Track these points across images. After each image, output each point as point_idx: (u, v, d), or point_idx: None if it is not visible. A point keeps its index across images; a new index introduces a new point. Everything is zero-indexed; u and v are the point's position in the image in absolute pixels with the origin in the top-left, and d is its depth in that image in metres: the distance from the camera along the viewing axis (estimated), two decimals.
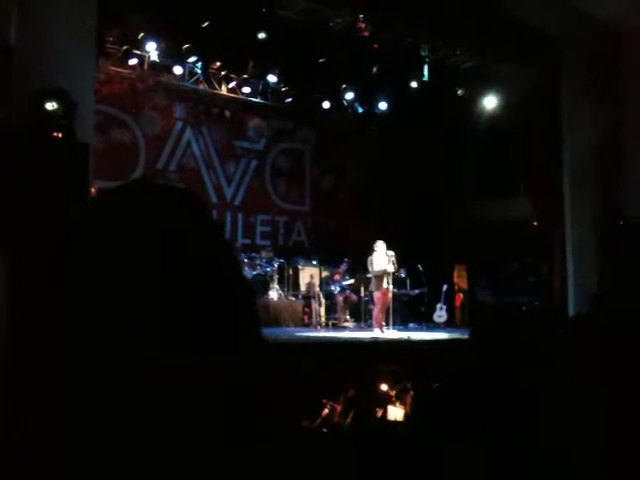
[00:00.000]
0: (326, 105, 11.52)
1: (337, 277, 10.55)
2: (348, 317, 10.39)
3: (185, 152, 11.12)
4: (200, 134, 11.27)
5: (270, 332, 7.99)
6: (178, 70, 10.07)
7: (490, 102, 10.28)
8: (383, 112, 11.67)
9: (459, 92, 10.60)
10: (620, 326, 1.35)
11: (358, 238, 10.89)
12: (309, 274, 10.63)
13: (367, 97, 11.42)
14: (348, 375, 5.01)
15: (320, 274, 10.74)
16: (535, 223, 10.39)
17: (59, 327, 0.59)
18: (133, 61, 9.71)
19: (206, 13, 8.52)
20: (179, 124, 11.06)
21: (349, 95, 11.25)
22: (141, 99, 10.45)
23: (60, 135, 4.76)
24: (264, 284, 9.92)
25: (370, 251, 8.92)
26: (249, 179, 11.90)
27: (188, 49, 9.69)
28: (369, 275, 9.05)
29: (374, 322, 8.94)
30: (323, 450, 0.71)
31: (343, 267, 10.60)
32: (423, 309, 10.93)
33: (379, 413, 4.58)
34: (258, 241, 11.68)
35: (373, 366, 5.49)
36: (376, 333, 8.53)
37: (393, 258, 8.76)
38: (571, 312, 8.56)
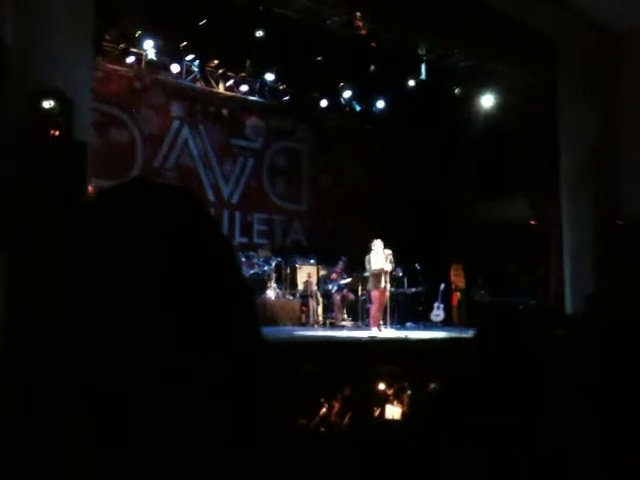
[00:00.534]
0: (324, 104, 11.52)
1: (334, 276, 10.56)
2: (345, 316, 10.40)
3: (182, 151, 11.11)
4: (197, 132, 11.26)
5: (267, 331, 7.99)
6: (175, 68, 10.06)
7: (487, 101, 10.30)
8: (381, 111, 11.68)
9: (456, 91, 10.61)
10: (617, 326, 1.36)
11: (355, 237, 10.90)
12: (306, 273, 10.64)
13: (365, 96, 11.42)
14: (345, 374, 5.01)
15: (318, 273, 10.75)
16: (532, 223, 10.41)
17: (59, 327, 0.58)
18: (130, 59, 9.69)
19: (203, 11, 8.51)
20: (176, 122, 11.05)
21: (347, 94, 11.26)
22: (138, 97, 10.43)
23: (57, 134, 4.75)
24: (261, 283, 9.93)
25: (367, 250, 8.93)
26: (246, 178, 11.90)
27: (185, 47, 9.68)
28: (366, 274, 9.06)
29: (371, 321, 8.95)
30: (322, 450, 0.71)
31: (340, 266, 10.61)
32: (420, 308, 10.94)
33: (376, 412, 4.58)
34: (255, 240, 11.68)
35: (370, 365, 5.50)
36: (373, 332, 8.54)
37: (390, 257, 8.77)
38: (568, 312, 8.57)
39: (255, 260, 10.36)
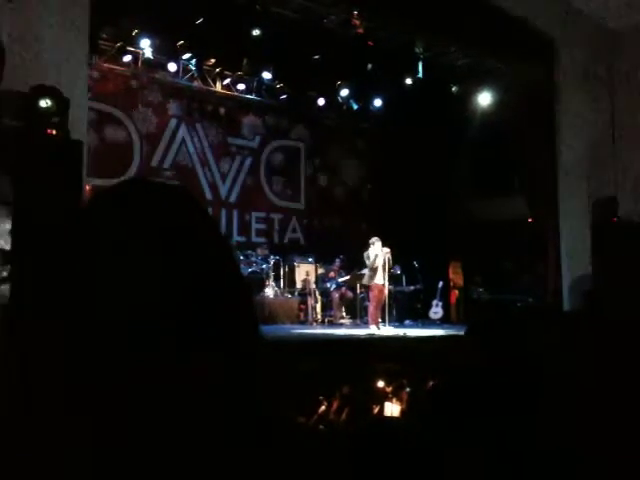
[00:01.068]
0: (321, 102, 11.52)
1: (332, 274, 10.57)
2: (344, 314, 10.41)
3: (179, 150, 11.10)
4: (194, 131, 11.25)
5: (266, 330, 7.99)
6: (172, 67, 10.04)
7: (485, 100, 10.30)
8: (378, 109, 11.68)
9: (454, 89, 10.61)
10: (615, 323, 1.36)
11: (353, 235, 10.92)
12: (305, 271, 10.64)
13: (362, 94, 11.42)
14: (344, 372, 5.02)
15: (316, 271, 10.75)
16: (530, 220, 10.42)
17: (59, 327, 0.58)
18: (127, 58, 9.68)
19: (200, 10, 8.49)
20: (173, 121, 11.04)
21: (344, 92, 11.25)
22: (135, 96, 10.41)
23: (54, 133, 4.74)
24: (260, 282, 9.93)
25: (365, 248, 8.94)
26: (244, 177, 11.89)
27: (182, 46, 9.67)
28: (365, 270, 9.06)
29: (370, 319, 8.95)
30: (320, 448, 0.71)
31: (337, 264, 10.61)
32: (419, 306, 10.95)
33: (375, 410, 4.59)
34: (253, 239, 11.68)
35: (369, 363, 5.50)
36: (372, 330, 8.55)
37: (388, 255, 8.78)
38: (566, 309, 8.59)
39: (253, 259, 10.36)
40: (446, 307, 10.96)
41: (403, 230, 10.52)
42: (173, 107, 10.98)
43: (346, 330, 9.16)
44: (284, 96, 11.43)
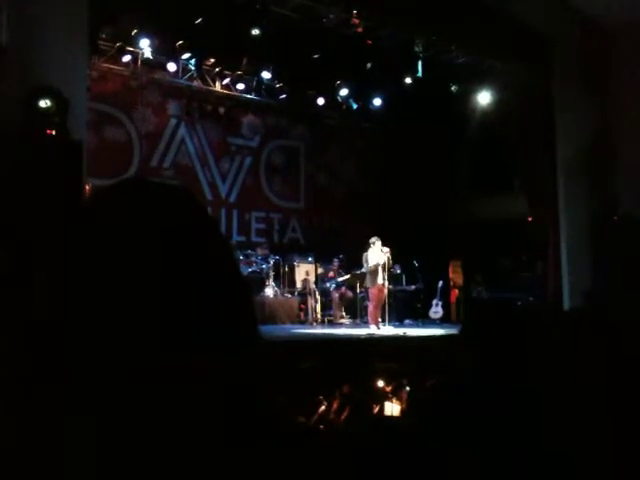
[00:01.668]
0: (320, 102, 11.51)
1: (332, 274, 10.57)
2: (344, 314, 10.41)
3: (179, 149, 11.10)
4: (194, 131, 11.24)
5: (266, 329, 7.99)
6: (172, 67, 10.03)
7: (484, 98, 10.29)
8: (377, 108, 11.67)
9: (453, 88, 10.61)
10: (614, 322, 1.36)
11: (353, 235, 10.91)
12: (305, 271, 10.64)
13: (361, 94, 11.41)
14: (344, 372, 5.02)
15: (316, 271, 10.75)
16: (530, 219, 10.42)
17: (59, 327, 0.58)
18: (126, 58, 9.67)
19: (199, 10, 8.49)
20: (173, 121, 11.03)
21: (343, 92, 11.25)
22: (135, 96, 10.41)
23: (53, 133, 4.74)
24: (260, 281, 9.92)
25: (366, 247, 8.94)
26: (244, 176, 11.89)
27: (182, 46, 9.66)
28: (364, 270, 9.06)
29: (370, 319, 8.95)
30: (320, 448, 0.71)
31: (335, 264, 10.61)
32: (419, 305, 10.95)
33: (375, 409, 4.59)
34: (253, 238, 11.68)
35: (369, 362, 5.50)
36: (372, 329, 8.55)
37: (388, 254, 8.78)
38: (566, 308, 8.59)
39: (253, 258, 10.36)
40: (446, 306, 10.96)
41: (403, 229, 10.52)
42: (172, 107, 10.98)
43: (346, 330, 9.16)
44: (284, 96, 11.43)
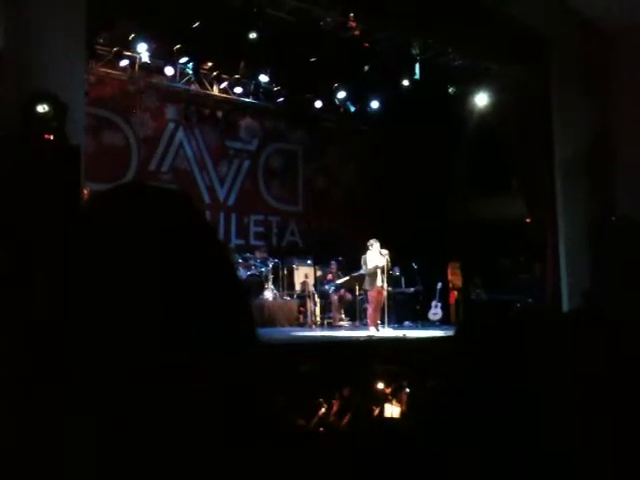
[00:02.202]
0: (318, 105, 11.52)
1: (330, 277, 10.56)
2: (343, 316, 10.40)
3: (177, 153, 11.10)
4: (192, 135, 11.25)
5: (266, 332, 7.98)
6: (169, 71, 10.04)
7: (482, 100, 10.31)
8: (375, 111, 11.68)
9: (451, 90, 10.62)
10: (613, 323, 1.36)
11: (352, 237, 10.91)
12: (303, 274, 10.63)
13: (359, 96, 11.42)
14: (344, 374, 5.01)
15: (315, 274, 10.75)
16: (528, 220, 10.42)
17: (59, 328, 0.58)
18: (124, 63, 9.67)
19: (197, 14, 8.49)
20: (171, 125, 11.04)
21: (341, 94, 11.26)
22: (132, 101, 10.41)
23: (51, 138, 4.74)
24: (259, 284, 9.92)
25: (364, 250, 8.94)
26: (242, 180, 11.89)
27: (179, 50, 9.67)
28: (362, 272, 9.06)
29: (369, 321, 8.95)
30: (320, 450, 0.71)
31: (333, 266, 10.61)
32: (418, 307, 10.94)
33: (375, 411, 4.58)
34: (252, 242, 11.67)
35: (369, 365, 5.50)
36: (371, 332, 8.54)
37: (387, 256, 8.78)
38: (565, 309, 8.59)
39: (252, 261, 10.35)
40: (445, 308, 10.95)
41: (402, 232, 10.52)
42: (170, 111, 10.98)
43: (345, 332, 9.15)
44: (281, 99, 11.44)
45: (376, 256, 8.78)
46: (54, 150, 4.75)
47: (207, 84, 10.88)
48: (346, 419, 4.14)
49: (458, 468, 1.04)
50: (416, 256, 10.62)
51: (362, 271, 9.04)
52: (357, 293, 10.03)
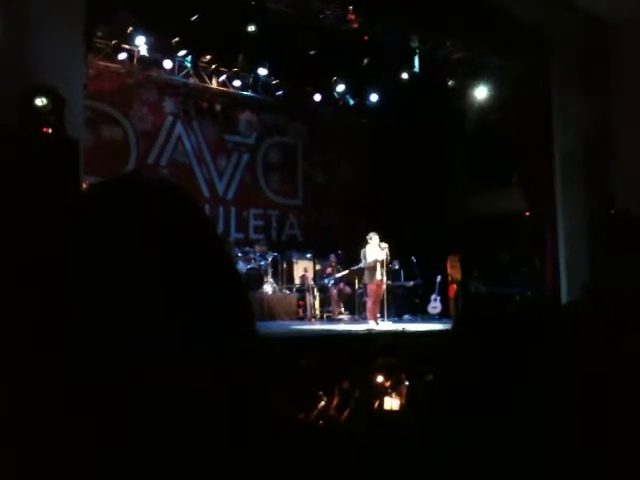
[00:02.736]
0: (317, 98, 11.48)
1: (329, 270, 10.56)
2: (342, 310, 10.41)
3: (176, 147, 11.07)
4: (191, 129, 11.22)
5: (265, 326, 7.99)
6: (168, 64, 10.01)
7: (482, 93, 10.28)
8: (374, 104, 11.65)
9: (450, 83, 10.59)
10: (611, 314, 1.36)
11: (351, 231, 10.91)
12: (303, 268, 10.64)
13: (358, 89, 11.39)
14: (343, 367, 5.02)
15: (314, 267, 10.75)
16: (527, 214, 10.42)
17: (59, 326, 0.58)
18: (122, 56, 9.64)
19: (195, 6, 8.46)
20: (169, 119, 11.01)
21: (340, 88, 11.22)
22: (131, 94, 10.38)
23: (50, 131, 4.72)
24: (258, 278, 9.92)
25: (364, 243, 8.94)
26: (241, 173, 11.87)
27: (178, 43, 9.63)
28: (362, 266, 9.07)
29: (368, 314, 8.96)
30: (320, 446, 0.71)
31: (332, 260, 10.61)
32: (417, 301, 10.96)
33: (375, 405, 4.59)
34: (251, 235, 11.67)
35: (368, 358, 5.51)
36: (371, 325, 8.55)
37: (387, 250, 8.79)
38: (564, 302, 8.60)
39: (252, 255, 10.36)
40: (445, 302, 10.97)
41: (401, 225, 10.51)
42: (169, 104, 10.95)
43: (345, 326, 9.17)
44: (280, 92, 11.40)
45: (375, 249, 8.78)
46: (53, 144, 4.73)
47: (206, 77, 10.85)
48: (346, 412, 4.15)
49: (457, 461, 1.04)
50: (415, 249, 10.62)
51: (361, 265, 9.05)
52: (357, 287, 10.04)
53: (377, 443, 1.08)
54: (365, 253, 8.84)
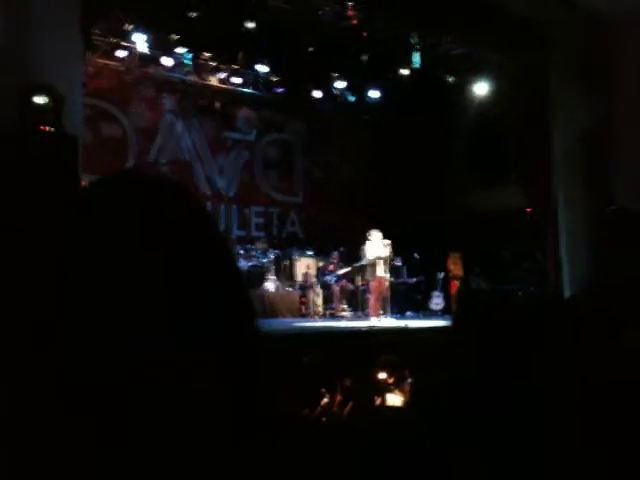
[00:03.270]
0: (317, 95, 11.47)
1: (331, 267, 10.57)
2: (345, 306, 10.42)
3: (175, 144, 11.07)
4: (191, 126, 11.22)
5: (267, 323, 8.00)
6: (167, 61, 9.99)
7: (482, 89, 10.27)
8: (374, 101, 11.64)
9: (450, 79, 10.58)
10: (612, 309, 1.35)
11: (353, 228, 10.90)
12: (305, 265, 10.65)
13: (358, 86, 11.38)
14: (346, 364, 5.02)
15: (316, 264, 10.77)
16: (528, 210, 10.42)
17: (58, 325, 0.57)
18: (121, 53, 9.63)
19: (194, 3, 8.44)
20: (169, 116, 11.01)
21: (340, 84, 11.21)
22: (130, 92, 10.38)
23: (49, 129, 4.72)
24: (260, 275, 9.94)
25: (365, 240, 8.95)
26: (241, 171, 11.87)
27: (177, 40, 9.62)
28: (363, 263, 9.08)
29: (370, 311, 8.97)
30: (323, 443, 0.70)
31: (334, 257, 10.62)
32: (419, 297, 10.97)
33: (378, 401, 4.60)
34: (253, 233, 11.68)
35: (371, 354, 5.51)
36: (373, 322, 8.56)
37: (389, 247, 8.80)
38: (566, 298, 8.59)
39: (253, 252, 10.37)
40: (447, 298, 10.97)
41: (403, 222, 10.51)
42: (168, 102, 10.94)
43: (347, 322, 9.18)
44: (280, 89, 11.39)
45: (376, 246, 8.78)
46: (52, 142, 4.73)
47: (205, 74, 10.83)
48: (348, 409, 4.15)
49: (459, 457, 1.03)
50: (417, 246, 10.63)
51: (363, 262, 9.05)
52: (359, 283, 10.05)
53: (380, 439, 1.08)
54: (365, 250, 8.85)
